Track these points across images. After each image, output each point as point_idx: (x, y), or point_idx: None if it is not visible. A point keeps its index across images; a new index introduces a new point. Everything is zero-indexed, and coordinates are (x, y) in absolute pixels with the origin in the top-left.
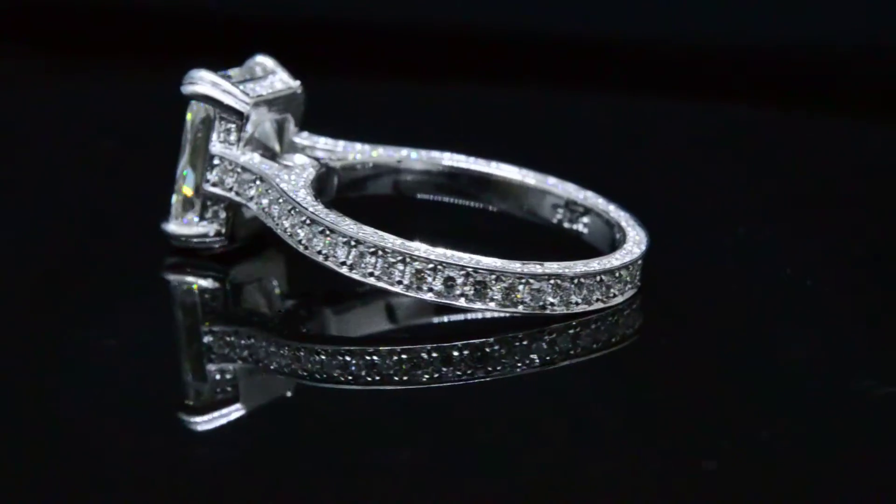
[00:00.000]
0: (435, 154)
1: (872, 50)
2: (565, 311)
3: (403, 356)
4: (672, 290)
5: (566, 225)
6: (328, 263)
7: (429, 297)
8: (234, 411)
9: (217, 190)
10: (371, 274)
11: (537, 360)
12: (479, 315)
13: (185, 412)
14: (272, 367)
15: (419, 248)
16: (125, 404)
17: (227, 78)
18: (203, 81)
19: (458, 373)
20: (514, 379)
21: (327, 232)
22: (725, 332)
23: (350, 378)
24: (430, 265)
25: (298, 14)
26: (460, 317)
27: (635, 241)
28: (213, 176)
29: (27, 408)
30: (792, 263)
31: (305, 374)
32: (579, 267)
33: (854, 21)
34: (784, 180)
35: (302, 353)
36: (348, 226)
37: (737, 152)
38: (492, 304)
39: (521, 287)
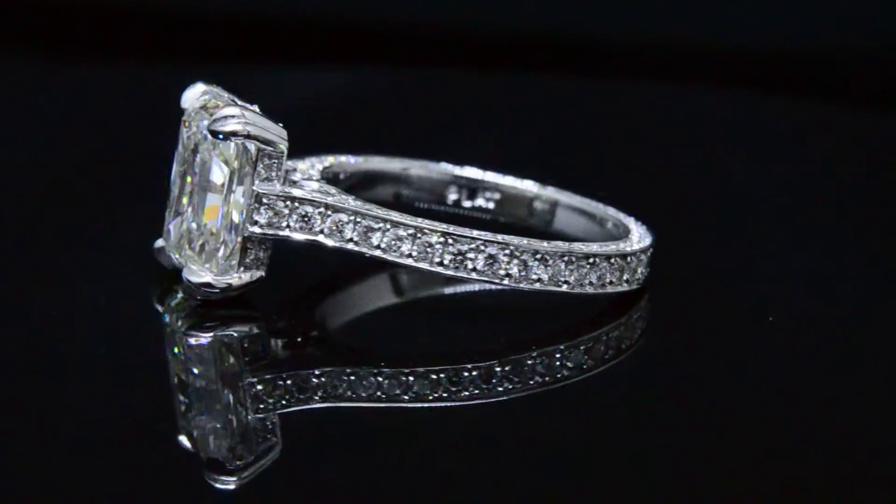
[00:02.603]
0: (443, 165)
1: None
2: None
3: (475, 372)
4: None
5: (466, 203)
6: (474, 276)
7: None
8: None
9: (268, 231)
10: (507, 275)
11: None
12: (488, 287)
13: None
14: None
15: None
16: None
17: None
18: (241, 118)
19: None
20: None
21: (481, 247)
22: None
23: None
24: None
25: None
26: (470, 288)
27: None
28: (262, 217)
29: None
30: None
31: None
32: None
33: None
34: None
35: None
36: (485, 234)
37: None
38: (565, 287)
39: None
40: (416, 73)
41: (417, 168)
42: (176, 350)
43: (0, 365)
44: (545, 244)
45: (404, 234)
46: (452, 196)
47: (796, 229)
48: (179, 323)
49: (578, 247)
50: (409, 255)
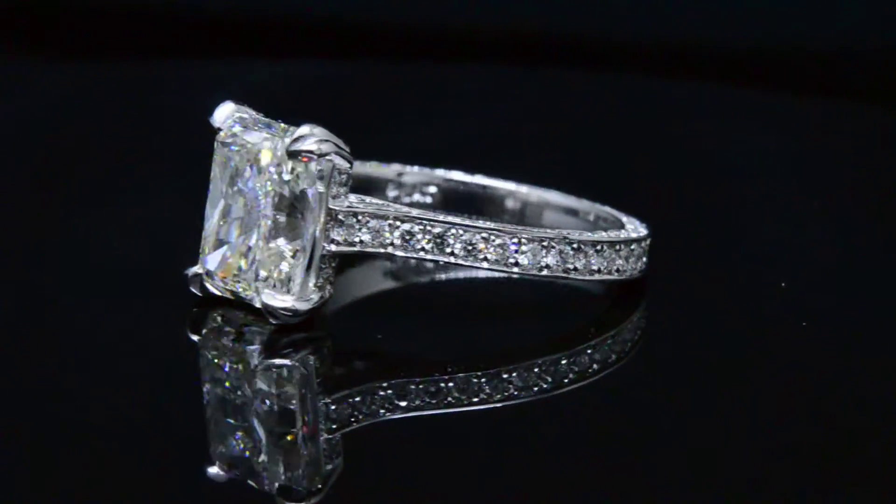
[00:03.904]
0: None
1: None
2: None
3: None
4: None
5: (406, 199)
6: (545, 273)
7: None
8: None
9: (343, 248)
10: (574, 268)
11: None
12: (476, 273)
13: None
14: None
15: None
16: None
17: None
18: (317, 137)
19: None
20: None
21: (553, 244)
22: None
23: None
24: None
25: None
26: (454, 274)
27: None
28: (337, 234)
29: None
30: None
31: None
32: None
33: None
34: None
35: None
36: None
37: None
38: (616, 275)
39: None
40: (378, 66)
41: (413, 173)
42: (250, 377)
43: (56, 409)
44: (594, 235)
45: (478, 238)
46: (392, 193)
47: (792, 225)
48: (254, 350)
49: (616, 234)
50: (485, 259)
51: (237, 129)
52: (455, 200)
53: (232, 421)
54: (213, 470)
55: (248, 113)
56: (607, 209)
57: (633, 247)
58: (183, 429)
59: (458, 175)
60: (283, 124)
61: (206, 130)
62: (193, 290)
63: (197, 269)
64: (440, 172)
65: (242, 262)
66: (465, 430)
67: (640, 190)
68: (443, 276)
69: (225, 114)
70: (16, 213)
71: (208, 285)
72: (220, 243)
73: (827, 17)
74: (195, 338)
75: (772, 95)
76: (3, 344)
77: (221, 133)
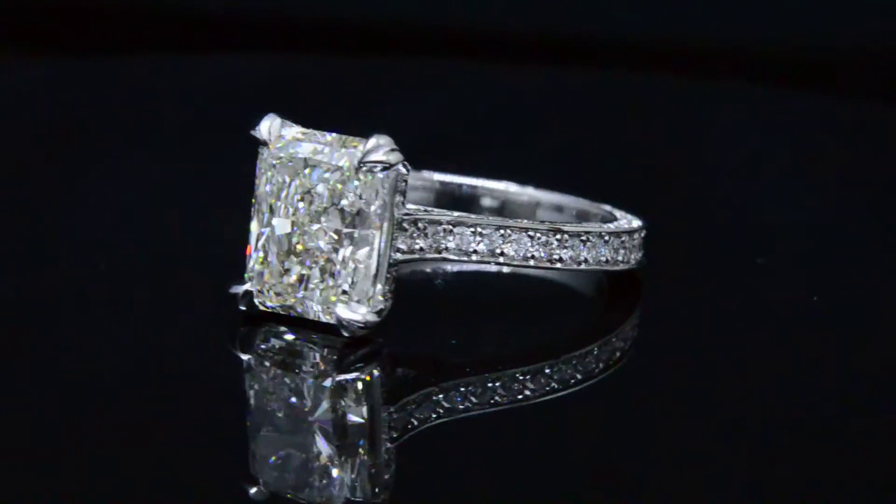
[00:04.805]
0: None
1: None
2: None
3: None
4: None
5: None
6: (582, 267)
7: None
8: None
9: (407, 256)
10: (606, 261)
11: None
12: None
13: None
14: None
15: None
16: None
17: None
18: (385, 147)
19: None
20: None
21: (591, 239)
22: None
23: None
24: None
25: None
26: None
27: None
28: (402, 243)
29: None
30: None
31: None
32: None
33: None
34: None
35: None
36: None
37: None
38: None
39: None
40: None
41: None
42: (317, 392)
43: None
44: (620, 227)
45: (525, 237)
46: None
47: (791, 224)
48: (318, 365)
49: (629, 225)
50: (532, 257)
51: (284, 141)
52: (447, 201)
53: (294, 438)
54: (254, 490)
55: (290, 124)
56: (597, 205)
57: (642, 234)
58: (240, 448)
59: (446, 176)
60: (329, 135)
61: (206, 133)
62: (242, 307)
63: (246, 286)
64: (431, 174)
65: (296, 277)
66: (518, 428)
67: (636, 187)
68: (427, 269)
69: (268, 126)
70: (23, 219)
71: (257, 302)
72: (271, 258)
73: (827, 16)
74: (247, 357)
75: (771, 94)
76: (50, 366)
77: (269, 146)
